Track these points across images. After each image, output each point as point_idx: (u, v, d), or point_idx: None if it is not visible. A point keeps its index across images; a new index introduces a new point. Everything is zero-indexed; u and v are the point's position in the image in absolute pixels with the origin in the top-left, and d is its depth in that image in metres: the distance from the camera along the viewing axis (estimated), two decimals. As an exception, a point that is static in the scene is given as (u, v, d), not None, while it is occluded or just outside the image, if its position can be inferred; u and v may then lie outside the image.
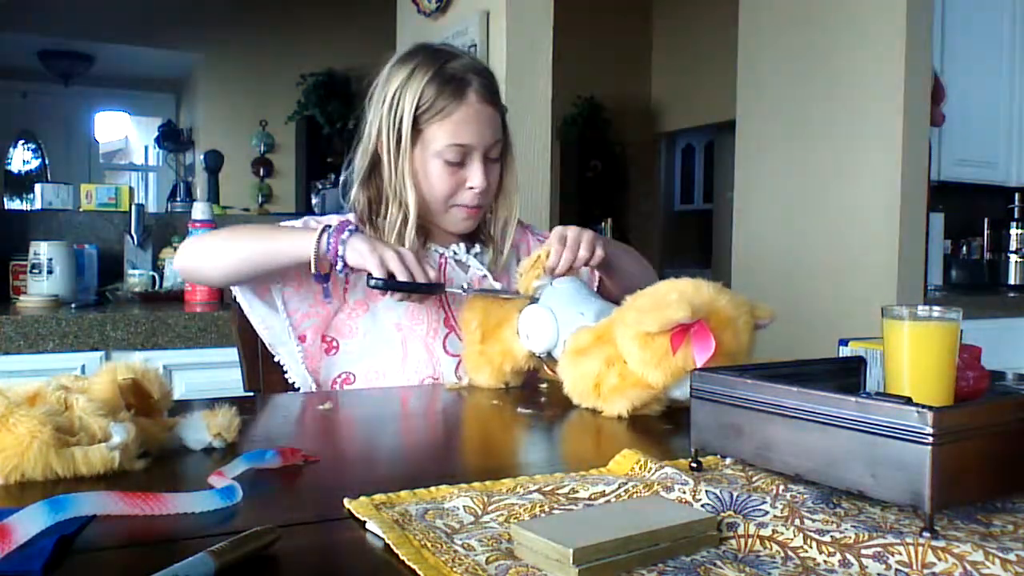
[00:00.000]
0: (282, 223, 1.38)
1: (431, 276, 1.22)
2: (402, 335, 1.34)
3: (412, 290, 1.21)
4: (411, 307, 1.33)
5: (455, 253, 1.42)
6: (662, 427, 1.05)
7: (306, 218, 1.39)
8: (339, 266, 1.21)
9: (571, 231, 1.28)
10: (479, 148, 1.33)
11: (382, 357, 1.34)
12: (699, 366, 0.99)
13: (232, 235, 1.29)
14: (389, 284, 1.19)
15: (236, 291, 1.33)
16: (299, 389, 1.34)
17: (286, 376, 1.36)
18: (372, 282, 1.19)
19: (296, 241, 1.23)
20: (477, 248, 1.44)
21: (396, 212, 1.35)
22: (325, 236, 1.21)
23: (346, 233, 1.21)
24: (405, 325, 1.34)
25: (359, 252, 1.20)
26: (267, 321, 1.33)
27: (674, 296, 1.04)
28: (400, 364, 1.34)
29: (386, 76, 1.36)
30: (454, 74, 1.32)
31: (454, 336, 1.36)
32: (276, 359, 1.36)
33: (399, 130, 1.32)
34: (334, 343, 1.35)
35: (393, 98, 1.32)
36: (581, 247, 1.27)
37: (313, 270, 1.22)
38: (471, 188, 1.34)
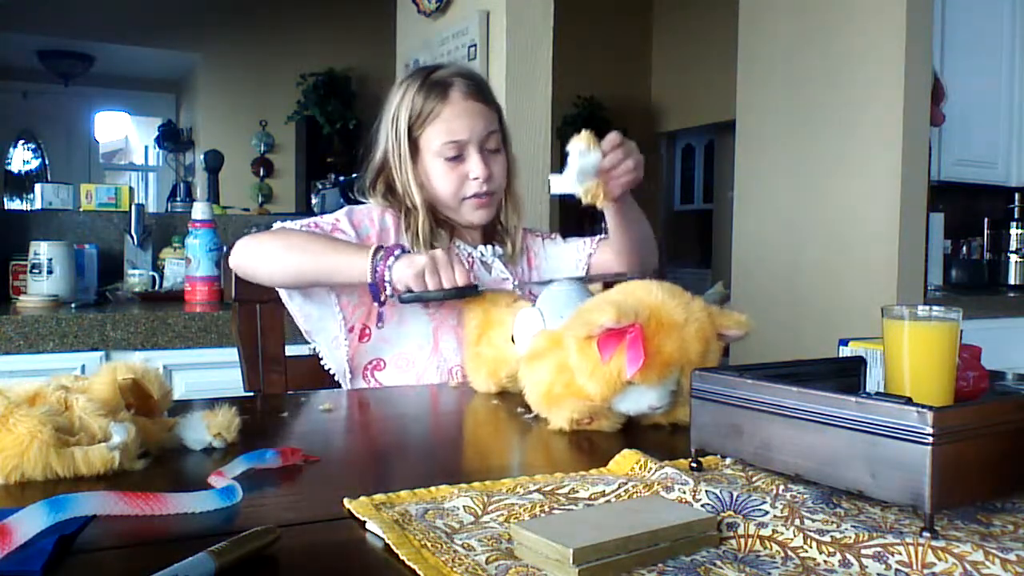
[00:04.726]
0: (325, 220, 1.39)
1: (459, 280, 1.23)
2: (434, 324, 1.38)
3: (443, 298, 1.23)
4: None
5: (482, 255, 1.48)
6: (662, 427, 1.05)
7: (348, 212, 1.41)
8: (389, 292, 1.25)
9: (630, 142, 1.32)
10: (473, 141, 1.40)
11: (412, 345, 1.38)
12: (629, 377, 0.91)
13: (289, 244, 1.31)
14: (418, 295, 1.22)
15: (282, 291, 1.36)
16: (333, 374, 1.39)
17: (322, 363, 1.39)
18: (404, 296, 1.24)
19: (354, 261, 1.26)
20: (500, 250, 1.49)
21: (412, 217, 1.42)
22: (375, 260, 1.24)
23: (391, 260, 1.24)
24: (437, 315, 1.38)
25: (402, 279, 1.23)
26: (312, 313, 1.36)
27: (616, 296, 0.96)
28: (430, 353, 1.37)
29: (388, 99, 1.46)
30: (437, 80, 1.42)
31: None
32: (313, 347, 1.40)
33: (400, 143, 1.42)
34: (367, 330, 1.39)
35: (392, 116, 1.43)
36: (631, 158, 1.31)
37: (369, 279, 1.25)
38: (475, 179, 1.40)
